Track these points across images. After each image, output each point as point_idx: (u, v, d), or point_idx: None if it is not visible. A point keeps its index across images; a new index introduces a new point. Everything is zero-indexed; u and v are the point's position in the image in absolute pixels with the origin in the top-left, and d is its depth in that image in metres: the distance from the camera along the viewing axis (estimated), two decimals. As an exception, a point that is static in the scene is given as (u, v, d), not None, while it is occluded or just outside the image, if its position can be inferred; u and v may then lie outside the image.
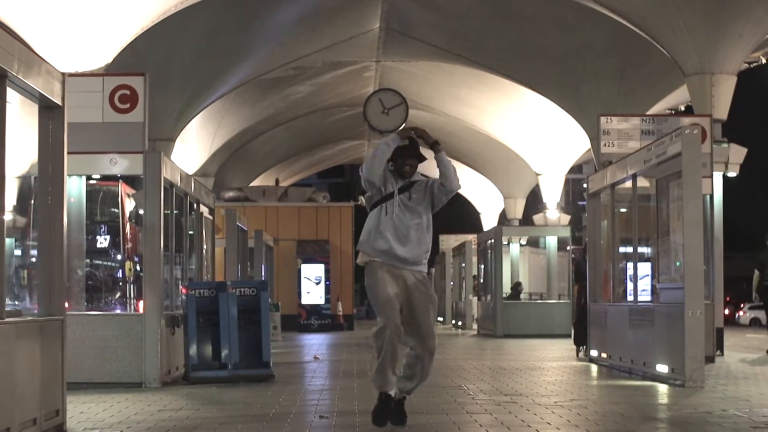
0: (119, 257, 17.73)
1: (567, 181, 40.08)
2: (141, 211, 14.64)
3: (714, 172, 18.01)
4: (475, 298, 34.76)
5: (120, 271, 17.64)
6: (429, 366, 8.78)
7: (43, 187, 8.55)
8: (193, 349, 13.25)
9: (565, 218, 38.60)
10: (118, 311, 16.09)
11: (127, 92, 12.96)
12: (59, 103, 8.45)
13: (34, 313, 8.57)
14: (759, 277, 20.40)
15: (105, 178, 15.67)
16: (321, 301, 33.95)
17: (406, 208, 8.63)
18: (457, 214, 57.72)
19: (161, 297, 12.97)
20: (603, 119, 18.07)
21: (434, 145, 8.61)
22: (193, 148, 33.98)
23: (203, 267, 16.42)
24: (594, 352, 16.72)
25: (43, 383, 8.02)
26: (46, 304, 8.44)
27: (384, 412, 8.60)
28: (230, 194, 35.09)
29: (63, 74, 8.59)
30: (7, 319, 7.44)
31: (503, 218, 46.39)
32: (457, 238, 44.89)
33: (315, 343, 24.41)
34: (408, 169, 8.67)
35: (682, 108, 31.77)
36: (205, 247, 16.72)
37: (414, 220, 8.63)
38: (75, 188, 13.54)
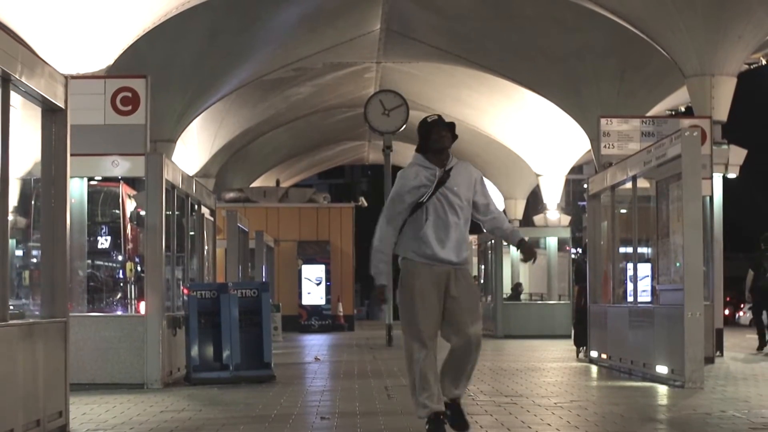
0: (120, 258, 17.78)
1: (567, 181, 40.10)
2: (142, 212, 14.70)
3: (714, 174, 18.05)
4: (476, 298, 34.71)
5: (121, 271, 17.70)
6: (464, 363, 8.11)
7: (45, 189, 8.60)
8: (194, 350, 13.30)
9: (566, 219, 38.63)
10: (119, 312, 16.14)
11: (129, 94, 13.01)
12: (62, 106, 8.49)
13: (36, 315, 8.61)
14: (753, 277, 20.47)
15: (106, 179, 15.73)
16: (322, 301, 34.00)
17: (447, 204, 8.05)
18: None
19: (163, 298, 13.02)
20: (603, 121, 18.11)
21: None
22: (194, 149, 34.01)
23: (204, 268, 16.47)
24: (594, 353, 16.76)
25: (47, 385, 8.06)
26: (49, 305, 8.48)
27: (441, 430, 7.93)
28: (231, 195, 35.13)
29: (66, 77, 8.63)
30: (10, 321, 7.49)
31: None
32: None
33: (316, 344, 24.45)
34: (445, 141, 8.10)
35: (683, 109, 31.79)
36: (206, 248, 16.77)
37: (453, 218, 8.07)
38: (76, 190, 13.58)
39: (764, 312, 20.65)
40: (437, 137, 8.11)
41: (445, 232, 8.03)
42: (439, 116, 8.25)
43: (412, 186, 8.07)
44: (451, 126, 8.18)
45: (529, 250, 8.31)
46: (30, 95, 8.07)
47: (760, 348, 20.01)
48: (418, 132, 8.23)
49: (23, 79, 7.64)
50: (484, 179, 8.44)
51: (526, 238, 8.39)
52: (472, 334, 8.01)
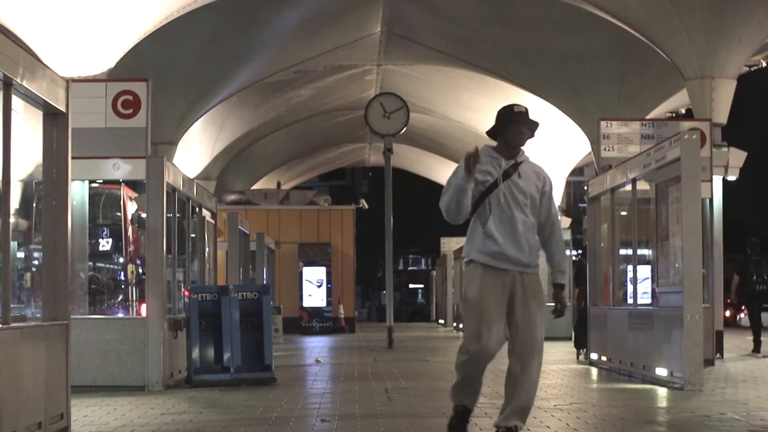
0: (121, 260, 17.81)
1: (568, 183, 40.13)
2: (143, 215, 14.73)
3: (714, 176, 18.08)
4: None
5: (122, 273, 17.73)
6: (525, 387, 7.39)
7: (47, 192, 8.63)
8: (195, 353, 13.33)
9: (566, 221, 38.65)
10: (120, 314, 16.18)
11: (130, 98, 13.05)
12: (63, 110, 8.53)
13: (38, 318, 8.65)
14: (739, 282, 20.57)
15: (107, 181, 15.76)
16: (322, 303, 34.03)
17: (512, 198, 7.42)
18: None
19: (164, 301, 13.06)
20: (603, 123, 18.13)
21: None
22: (195, 151, 34.06)
23: (205, 270, 16.51)
24: (594, 355, 16.80)
25: (48, 387, 8.09)
26: (51, 308, 8.51)
27: (461, 427, 7.61)
28: (232, 197, 35.17)
29: (67, 81, 8.67)
30: (12, 325, 7.53)
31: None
32: (458, 241, 44.93)
33: (316, 346, 24.48)
34: (522, 138, 7.51)
35: (683, 111, 31.82)
36: (207, 250, 16.82)
37: (519, 214, 7.41)
38: (78, 192, 13.63)
39: (756, 314, 20.82)
40: (517, 131, 7.50)
41: (511, 227, 7.37)
42: (526, 110, 7.59)
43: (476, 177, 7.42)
44: (534, 126, 7.58)
45: (559, 301, 7.54)
46: (31, 99, 8.10)
47: (756, 350, 20.13)
48: (498, 117, 7.62)
49: (25, 83, 7.68)
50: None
51: (565, 284, 7.67)
52: (534, 346, 7.39)
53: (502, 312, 7.38)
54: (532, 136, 7.57)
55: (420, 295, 73.78)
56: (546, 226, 7.57)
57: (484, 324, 7.31)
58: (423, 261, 76.38)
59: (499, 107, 7.96)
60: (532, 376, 7.40)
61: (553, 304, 7.59)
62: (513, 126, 7.50)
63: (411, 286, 71.98)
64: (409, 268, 75.10)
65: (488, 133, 7.67)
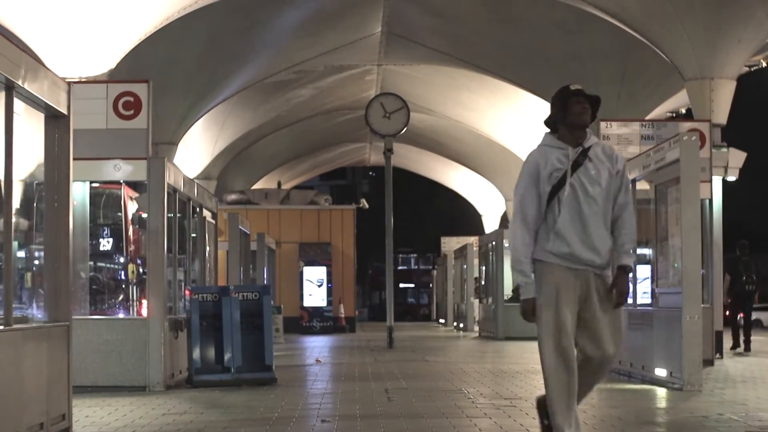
0: (122, 260, 17.82)
1: (568, 183, 40.15)
2: (144, 214, 14.76)
3: (713, 177, 18.11)
4: (477, 300, 34.87)
5: (123, 273, 17.74)
6: (595, 378, 6.92)
7: (48, 194, 8.67)
8: (196, 353, 13.36)
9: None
10: (121, 315, 16.20)
11: (131, 99, 13.09)
12: (65, 112, 8.56)
13: (40, 319, 8.68)
14: (730, 282, 20.66)
15: (108, 181, 15.78)
16: (323, 303, 34.08)
17: (582, 192, 6.75)
18: (459, 216, 57.81)
19: (165, 301, 13.09)
20: (603, 124, 18.12)
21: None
22: (195, 151, 34.11)
23: (206, 270, 16.54)
24: (594, 356, 16.80)
25: (50, 388, 8.13)
26: (52, 309, 8.55)
27: None
28: (232, 197, 35.21)
29: (69, 84, 8.70)
30: (14, 326, 7.57)
31: (505, 220, 46.49)
32: (458, 241, 45.06)
33: (317, 346, 24.51)
34: (586, 115, 6.78)
35: (683, 111, 31.87)
36: (207, 250, 16.84)
37: (590, 209, 6.75)
38: (78, 193, 13.66)
39: (740, 315, 20.96)
40: (579, 109, 6.75)
41: (583, 226, 6.72)
42: (582, 87, 6.89)
43: (544, 177, 6.76)
44: (595, 101, 6.88)
45: (619, 287, 6.84)
46: (33, 102, 8.14)
47: (733, 347, 20.30)
48: (553, 101, 6.92)
49: (26, 86, 7.72)
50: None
51: (630, 268, 6.91)
52: (611, 353, 6.80)
53: (574, 313, 6.80)
54: (595, 114, 6.87)
55: (410, 295, 73.79)
56: (616, 207, 6.92)
57: (561, 320, 6.78)
58: (413, 260, 76.35)
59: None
60: (605, 366, 6.90)
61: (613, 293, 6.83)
62: (573, 104, 6.79)
63: (401, 285, 72.09)
64: (399, 267, 75.24)
65: (546, 122, 6.95)
